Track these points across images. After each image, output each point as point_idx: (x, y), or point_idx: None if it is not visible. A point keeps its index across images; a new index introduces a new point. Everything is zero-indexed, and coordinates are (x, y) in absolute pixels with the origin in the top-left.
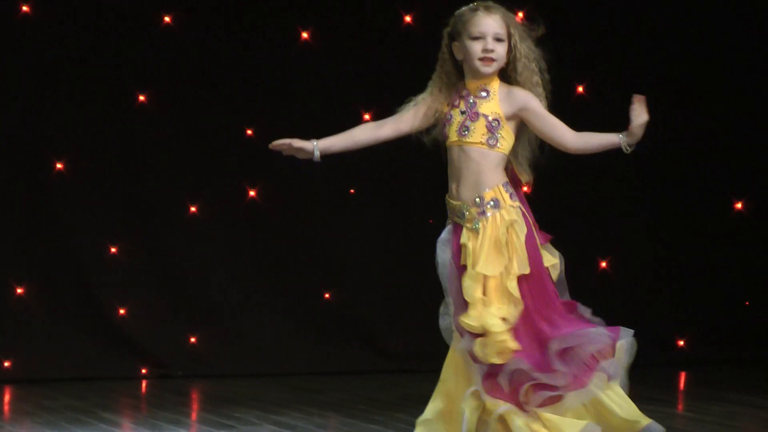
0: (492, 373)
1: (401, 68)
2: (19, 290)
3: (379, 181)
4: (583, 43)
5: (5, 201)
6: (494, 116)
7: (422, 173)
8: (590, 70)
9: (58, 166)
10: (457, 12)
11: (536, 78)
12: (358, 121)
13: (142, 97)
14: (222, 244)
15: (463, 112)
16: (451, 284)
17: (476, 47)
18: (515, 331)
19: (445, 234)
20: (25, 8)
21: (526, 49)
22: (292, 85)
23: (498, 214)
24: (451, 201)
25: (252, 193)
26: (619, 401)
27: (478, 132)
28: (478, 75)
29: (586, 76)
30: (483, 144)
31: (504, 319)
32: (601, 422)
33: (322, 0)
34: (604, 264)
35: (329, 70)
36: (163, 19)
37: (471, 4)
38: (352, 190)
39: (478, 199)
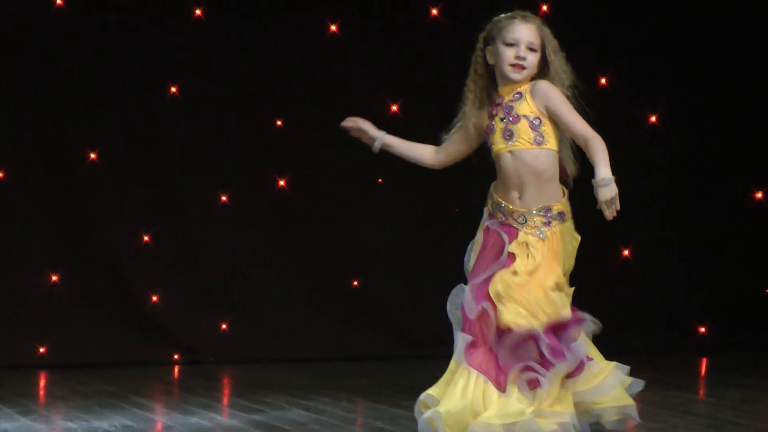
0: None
1: (428, 60)
2: (54, 278)
3: (406, 170)
4: (605, 33)
5: (41, 191)
6: (534, 115)
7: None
8: (612, 61)
9: (92, 156)
10: (495, 18)
11: (564, 90)
12: (385, 113)
13: (173, 89)
14: (252, 233)
15: (503, 119)
16: (491, 254)
17: (509, 53)
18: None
19: (479, 236)
20: (59, 1)
21: (558, 62)
22: (321, 76)
23: (562, 227)
24: (510, 206)
25: (282, 182)
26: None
27: (523, 134)
28: (508, 81)
29: (609, 67)
30: (531, 144)
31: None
32: None
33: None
34: (626, 252)
35: (357, 62)
36: (194, 12)
37: (509, 13)
38: (379, 180)
39: (544, 210)
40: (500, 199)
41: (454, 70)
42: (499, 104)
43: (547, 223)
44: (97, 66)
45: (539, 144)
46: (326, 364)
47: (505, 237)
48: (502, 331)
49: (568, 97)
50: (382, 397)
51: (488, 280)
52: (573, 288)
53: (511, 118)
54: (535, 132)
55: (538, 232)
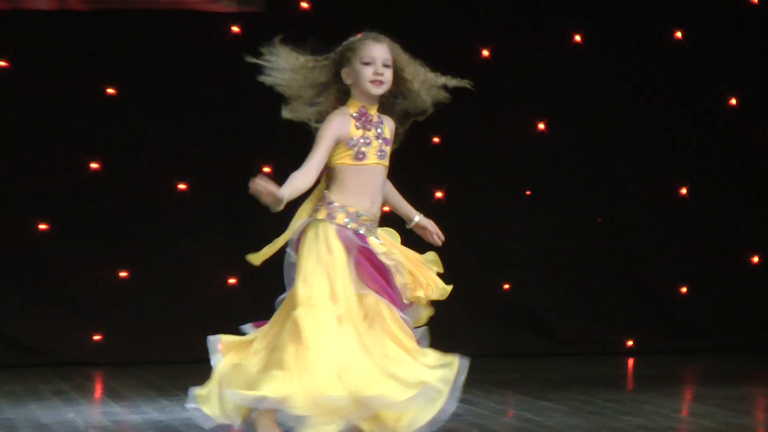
0: None
1: (571, 82)
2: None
3: (552, 184)
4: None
5: (220, 203)
6: (390, 140)
7: (588, 178)
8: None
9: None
10: (345, 42)
11: (426, 97)
12: (533, 130)
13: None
14: (410, 240)
15: (377, 137)
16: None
17: (367, 71)
18: None
19: (336, 232)
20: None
21: (415, 70)
22: (474, 96)
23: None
24: (365, 215)
25: (438, 194)
26: None
27: (387, 156)
28: (367, 97)
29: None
30: (386, 164)
31: None
32: None
33: (500, 20)
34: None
35: (506, 82)
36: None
37: (359, 35)
38: (527, 192)
39: (377, 218)
40: (356, 208)
41: (597, 91)
42: (370, 121)
43: (375, 230)
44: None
45: (386, 165)
46: (479, 360)
47: (365, 247)
48: None
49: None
50: (530, 391)
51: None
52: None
53: (384, 140)
54: (387, 155)
55: (377, 239)
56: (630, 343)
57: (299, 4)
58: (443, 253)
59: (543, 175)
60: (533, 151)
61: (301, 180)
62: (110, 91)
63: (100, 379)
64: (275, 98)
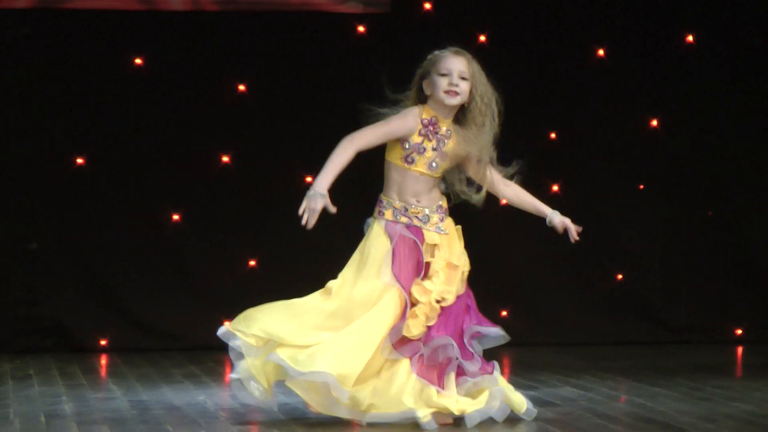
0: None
1: (683, 81)
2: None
3: (664, 178)
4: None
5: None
6: (456, 156)
7: (699, 173)
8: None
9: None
10: (430, 55)
11: (487, 120)
12: (646, 126)
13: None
14: (528, 232)
15: (434, 149)
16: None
17: (443, 81)
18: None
19: (384, 227)
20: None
21: (482, 91)
22: (588, 95)
23: (450, 219)
24: (411, 208)
25: (555, 187)
26: (509, 387)
27: (441, 168)
28: (443, 107)
29: (694, 26)
30: (439, 175)
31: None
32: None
33: (614, 22)
34: None
35: (620, 82)
36: (478, 38)
37: (443, 49)
38: (641, 186)
39: (437, 208)
40: (402, 203)
41: (708, 89)
42: (436, 132)
43: (442, 219)
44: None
45: (443, 173)
46: (593, 347)
47: (418, 242)
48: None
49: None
50: (642, 377)
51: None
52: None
53: (440, 154)
54: (447, 169)
55: (438, 227)
56: (739, 331)
57: (423, 4)
58: (560, 247)
59: (655, 170)
60: (646, 147)
61: (344, 158)
62: (241, 88)
63: (230, 363)
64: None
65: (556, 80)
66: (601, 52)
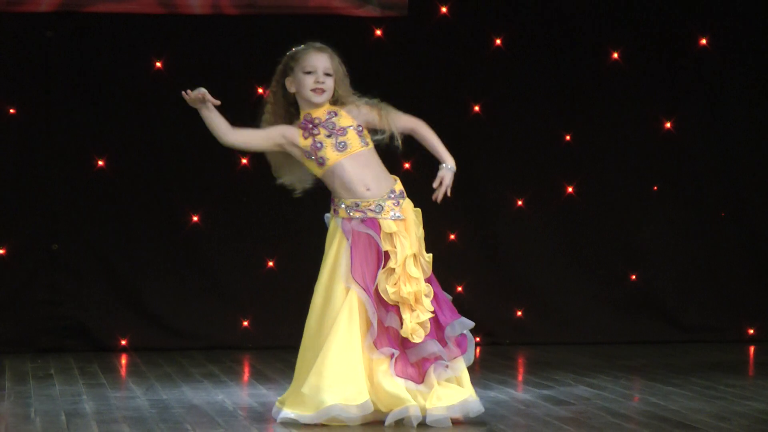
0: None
1: (697, 83)
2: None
3: (678, 179)
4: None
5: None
6: (356, 124)
7: (713, 174)
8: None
9: None
10: (289, 52)
11: (355, 97)
12: (660, 128)
13: (476, 108)
14: (543, 233)
15: (329, 135)
16: (371, 256)
17: (309, 80)
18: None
19: (340, 225)
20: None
21: (344, 80)
22: (603, 96)
23: (407, 201)
24: (363, 201)
25: (570, 189)
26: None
27: (353, 141)
28: (311, 105)
29: (708, 29)
30: (362, 147)
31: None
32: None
33: (629, 24)
34: None
35: (635, 84)
36: (494, 42)
37: (302, 45)
38: (654, 187)
39: (390, 192)
40: (352, 199)
41: (721, 92)
42: (317, 124)
43: (397, 204)
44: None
45: (366, 144)
46: (607, 346)
47: (374, 234)
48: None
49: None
50: (656, 376)
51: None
52: (431, 255)
53: (337, 132)
54: (360, 137)
55: (394, 214)
56: (751, 331)
57: (439, 8)
58: (575, 247)
59: (669, 171)
60: (660, 148)
61: (225, 126)
62: (260, 91)
63: (248, 363)
64: (417, 97)
65: (571, 83)
66: (615, 54)
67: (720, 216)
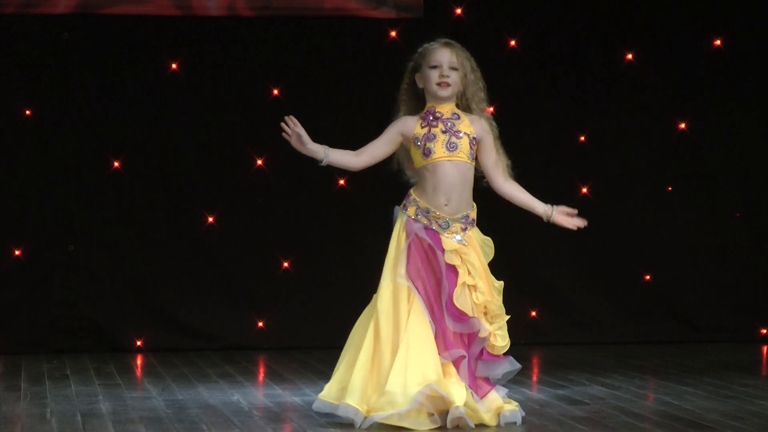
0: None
1: (711, 84)
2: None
3: (691, 179)
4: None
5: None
6: (472, 135)
7: (727, 175)
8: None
9: None
10: (420, 48)
11: (485, 105)
12: (673, 129)
13: (491, 109)
14: (558, 233)
15: (444, 131)
16: (436, 274)
17: (434, 74)
18: None
19: (405, 222)
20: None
21: (474, 79)
22: (618, 97)
23: (475, 230)
24: (436, 212)
25: (584, 189)
26: None
27: (463, 148)
28: (437, 99)
29: (722, 30)
30: (467, 159)
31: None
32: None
33: (643, 25)
34: None
35: (649, 86)
36: (508, 42)
37: (431, 42)
38: (669, 188)
39: (464, 217)
40: (427, 205)
41: (735, 93)
42: (438, 118)
43: (464, 229)
44: None
45: (472, 160)
46: (621, 346)
47: (436, 247)
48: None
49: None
50: (669, 376)
51: (442, 292)
52: (501, 282)
53: (453, 133)
54: (471, 149)
55: (457, 237)
56: (764, 331)
57: (454, 10)
58: (589, 247)
59: (684, 172)
60: (674, 149)
61: (351, 156)
62: (275, 92)
63: (264, 363)
64: None
65: (585, 84)
66: (630, 55)
67: (734, 216)
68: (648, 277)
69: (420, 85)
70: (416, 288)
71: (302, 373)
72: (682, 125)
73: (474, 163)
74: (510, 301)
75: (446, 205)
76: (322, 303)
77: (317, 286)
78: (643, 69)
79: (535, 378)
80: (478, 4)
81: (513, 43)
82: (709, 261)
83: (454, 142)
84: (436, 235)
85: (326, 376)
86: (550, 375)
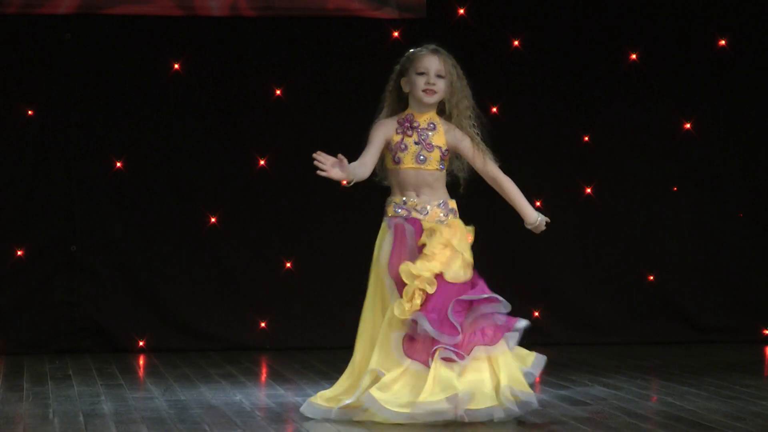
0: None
1: (716, 84)
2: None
3: (695, 180)
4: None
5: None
6: (444, 147)
7: (731, 175)
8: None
9: None
10: (407, 53)
11: (469, 112)
12: (678, 129)
13: (494, 109)
14: (561, 233)
15: (417, 143)
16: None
17: (420, 80)
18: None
19: (387, 223)
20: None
21: (461, 87)
22: (622, 97)
23: (457, 220)
24: (410, 201)
25: (588, 190)
26: (511, 367)
27: (433, 161)
28: (422, 105)
29: (727, 30)
30: (435, 169)
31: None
32: (491, 379)
33: (648, 25)
34: None
35: (652, 86)
36: (511, 43)
37: (419, 47)
38: (674, 188)
39: (442, 204)
40: (402, 197)
41: (740, 93)
42: (414, 127)
43: (446, 215)
44: None
45: (441, 170)
46: (623, 347)
47: (410, 228)
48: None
49: (473, 137)
50: (672, 377)
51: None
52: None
53: (425, 146)
54: (440, 160)
55: (438, 220)
56: (767, 331)
57: (457, 10)
58: (592, 248)
59: (688, 172)
60: (679, 149)
61: (358, 168)
62: (277, 92)
63: (266, 363)
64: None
65: (589, 84)
66: (634, 55)
67: (738, 217)
68: (651, 277)
69: (405, 90)
70: (394, 281)
71: (304, 373)
72: (687, 125)
73: (445, 168)
74: (512, 301)
75: (418, 196)
76: (324, 303)
77: (319, 287)
78: (647, 69)
79: (537, 378)
80: (481, 4)
81: (516, 43)
82: (712, 262)
83: (424, 156)
84: (417, 222)
85: (328, 376)
86: (552, 375)
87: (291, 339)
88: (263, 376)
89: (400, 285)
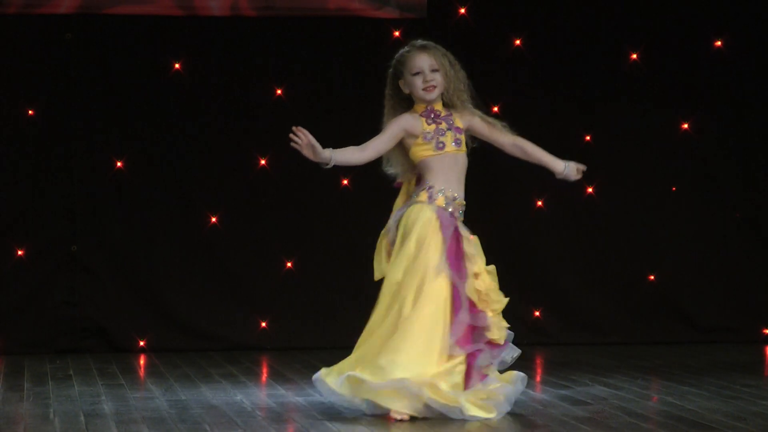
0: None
1: (714, 85)
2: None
3: (695, 180)
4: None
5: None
6: (463, 129)
7: (730, 175)
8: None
9: None
10: (396, 55)
11: (466, 95)
12: (676, 129)
13: (495, 108)
14: (562, 233)
15: (449, 129)
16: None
17: (418, 81)
18: None
19: (437, 212)
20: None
21: (454, 72)
22: (622, 97)
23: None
24: (458, 200)
25: (589, 189)
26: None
27: (463, 144)
28: (425, 102)
29: (723, 32)
30: (466, 151)
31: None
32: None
33: (648, 27)
34: None
35: (654, 86)
36: (514, 43)
37: (406, 47)
38: (673, 188)
39: (463, 207)
40: (453, 193)
41: (738, 94)
42: (438, 116)
43: (463, 220)
44: None
45: (467, 154)
46: (624, 347)
47: (466, 235)
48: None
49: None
50: (672, 377)
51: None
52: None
53: (455, 130)
54: (466, 144)
55: (464, 227)
56: (766, 331)
57: (458, 10)
58: (593, 247)
59: (687, 172)
60: (678, 149)
61: (354, 151)
62: (278, 92)
63: (267, 363)
64: None
65: (589, 84)
66: (634, 56)
67: (735, 216)
68: (652, 277)
69: (405, 91)
70: (458, 279)
71: (305, 373)
72: (686, 125)
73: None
74: (513, 301)
75: (461, 192)
76: (325, 303)
77: (320, 287)
78: (647, 69)
79: (538, 378)
80: (482, 3)
81: (518, 42)
82: (712, 261)
83: (459, 138)
84: (455, 223)
85: None
86: (553, 375)
87: (292, 339)
88: (264, 376)
89: (462, 282)
